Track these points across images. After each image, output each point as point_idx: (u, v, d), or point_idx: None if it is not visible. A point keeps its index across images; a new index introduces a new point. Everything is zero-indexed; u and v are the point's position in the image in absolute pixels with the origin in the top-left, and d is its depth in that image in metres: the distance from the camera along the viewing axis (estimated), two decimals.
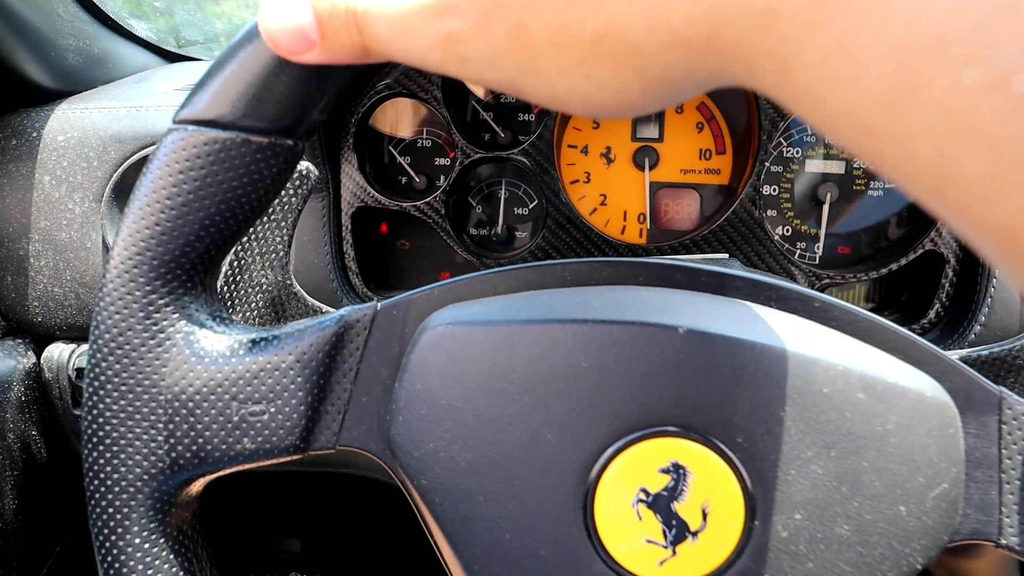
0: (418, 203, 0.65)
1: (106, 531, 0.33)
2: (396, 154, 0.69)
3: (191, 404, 0.32)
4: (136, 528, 0.33)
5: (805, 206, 0.66)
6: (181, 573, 0.34)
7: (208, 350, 0.33)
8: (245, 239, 0.47)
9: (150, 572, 0.33)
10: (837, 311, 0.32)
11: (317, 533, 1.05)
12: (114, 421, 0.32)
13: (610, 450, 0.30)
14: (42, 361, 0.66)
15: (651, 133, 0.67)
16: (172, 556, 0.33)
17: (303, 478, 0.98)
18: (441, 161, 0.69)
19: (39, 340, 0.67)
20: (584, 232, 0.64)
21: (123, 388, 0.32)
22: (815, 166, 0.65)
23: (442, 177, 0.69)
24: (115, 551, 0.33)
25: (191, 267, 0.33)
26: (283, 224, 0.44)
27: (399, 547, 1.03)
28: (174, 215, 0.31)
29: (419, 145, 0.69)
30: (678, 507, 0.29)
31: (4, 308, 0.65)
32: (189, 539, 0.35)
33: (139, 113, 0.65)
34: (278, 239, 0.45)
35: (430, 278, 0.71)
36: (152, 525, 0.33)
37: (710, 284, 0.33)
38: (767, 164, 0.64)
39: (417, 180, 0.68)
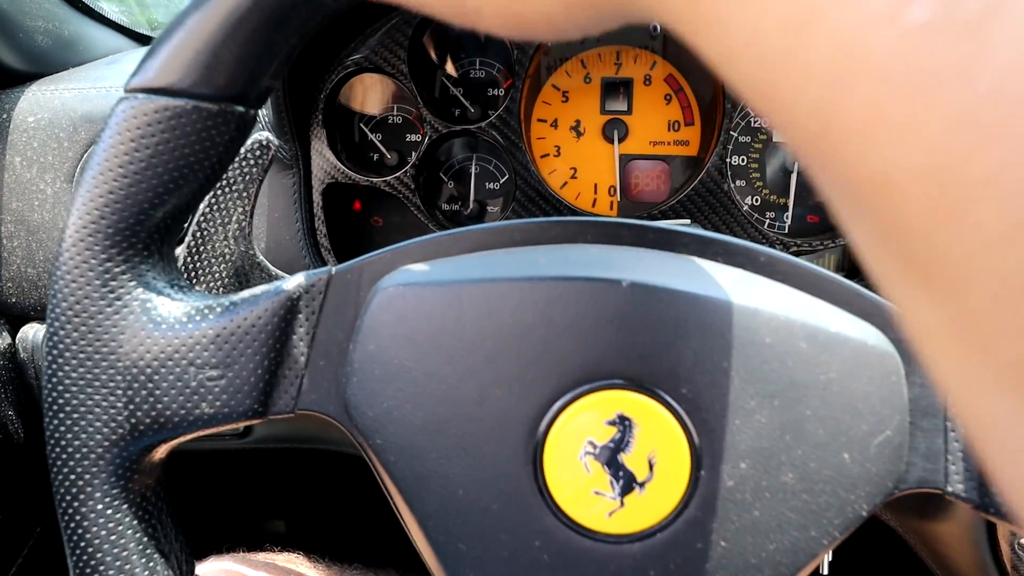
0: (388, 178, 0.65)
1: (68, 497, 0.33)
2: (367, 131, 0.69)
3: (149, 370, 0.33)
4: (99, 494, 0.33)
5: (774, 176, 0.66)
6: (145, 538, 0.34)
7: (165, 317, 0.33)
8: (207, 209, 0.47)
9: (113, 537, 0.33)
10: (782, 264, 0.32)
11: (302, 514, 1.05)
12: (73, 389, 0.33)
13: (557, 404, 0.30)
14: (17, 341, 0.66)
15: (620, 106, 0.68)
16: (135, 521, 0.34)
17: (288, 458, 0.99)
18: (412, 137, 0.69)
19: (13, 321, 0.67)
20: (554, 205, 0.65)
21: (81, 356, 0.33)
22: None
23: (413, 153, 0.69)
24: (78, 517, 0.33)
25: (147, 235, 0.33)
26: (244, 195, 0.45)
27: (385, 526, 1.04)
28: (127, 183, 0.32)
29: (390, 121, 0.69)
30: (625, 458, 0.30)
31: None
32: (153, 505, 0.35)
33: (110, 93, 0.65)
34: (239, 210, 0.45)
35: None
36: (115, 491, 0.33)
37: (656, 241, 0.33)
38: (734, 134, 0.65)
39: (388, 156, 0.69)
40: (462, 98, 0.68)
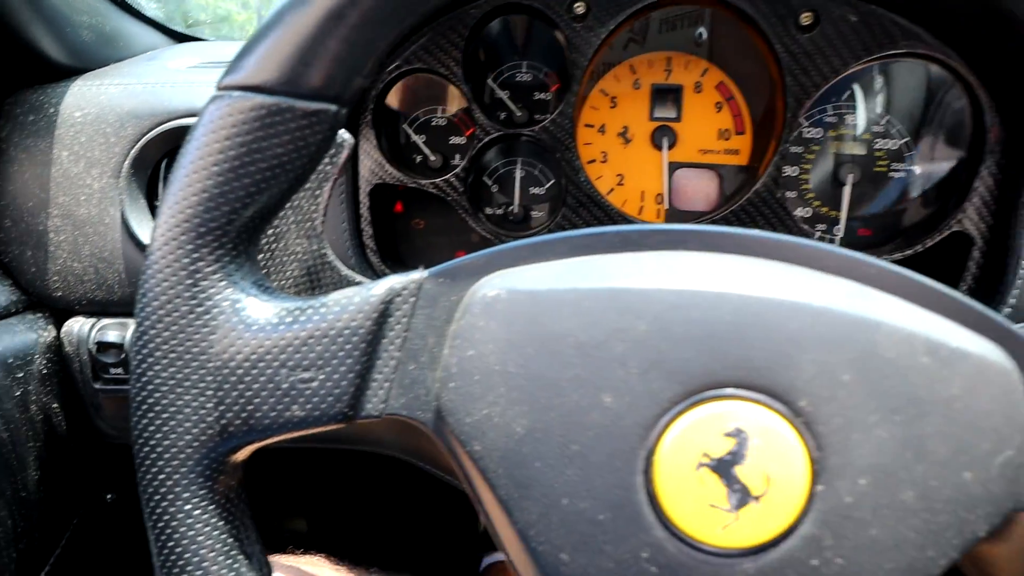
0: (436, 180, 0.65)
1: (157, 497, 0.33)
2: (410, 132, 0.69)
3: (240, 371, 0.32)
4: (187, 495, 0.33)
5: (826, 187, 0.65)
6: (229, 539, 0.34)
7: (255, 318, 0.33)
8: None
9: (200, 538, 0.33)
10: (899, 278, 0.31)
11: (324, 512, 1.06)
12: (163, 389, 0.33)
13: (671, 413, 0.29)
14: (62, 335, 0.66)
15: (669, 113, 0.67)
16: (220, 522, 0.34)
17: (311, 457, 0.99)
18: (456, 139, 0.68)
19: (58, 314, 0.67)
20: (604, 211, 0.64)
21: (172, 356, 0.32)
22: (836, 147, 0.65)
23: (457, 156, 0.68)
24: (166, 517, 0.33)
25: (236, 235, 0.33)
26: (318, 192, 0.44)
27: (406, 526, 1.04)
28: (220, 182, 0.31)
29: (434, 123, 0.68)
30: (740, 471, 0.29)
31: (24, 282, 0.65)
32: (235, 506, 0.35)
33: (155, 89, 0.65)
34: (313, 208, 0.44)
35: (445, 256, 0.71)
36: (202, 492, 0.33)
37: (765, 250, 0.32)
38: (788, 145, 0.64)
39: (432, 158, 0.68)
40: (508, 101, 0.67)
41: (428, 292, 0.33)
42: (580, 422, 0.30)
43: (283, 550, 0.70)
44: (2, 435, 0.62)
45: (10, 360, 0.63)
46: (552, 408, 0.30)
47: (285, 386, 0.32)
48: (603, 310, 0.30)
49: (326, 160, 0.45)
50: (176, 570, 0.33)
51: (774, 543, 0.29)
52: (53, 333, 0.66)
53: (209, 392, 0.32)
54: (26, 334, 0.65)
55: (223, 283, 0.32)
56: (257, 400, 0.32)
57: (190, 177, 0.31)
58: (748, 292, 0.30)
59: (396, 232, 0.71)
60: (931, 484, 0.29)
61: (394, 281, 0.33)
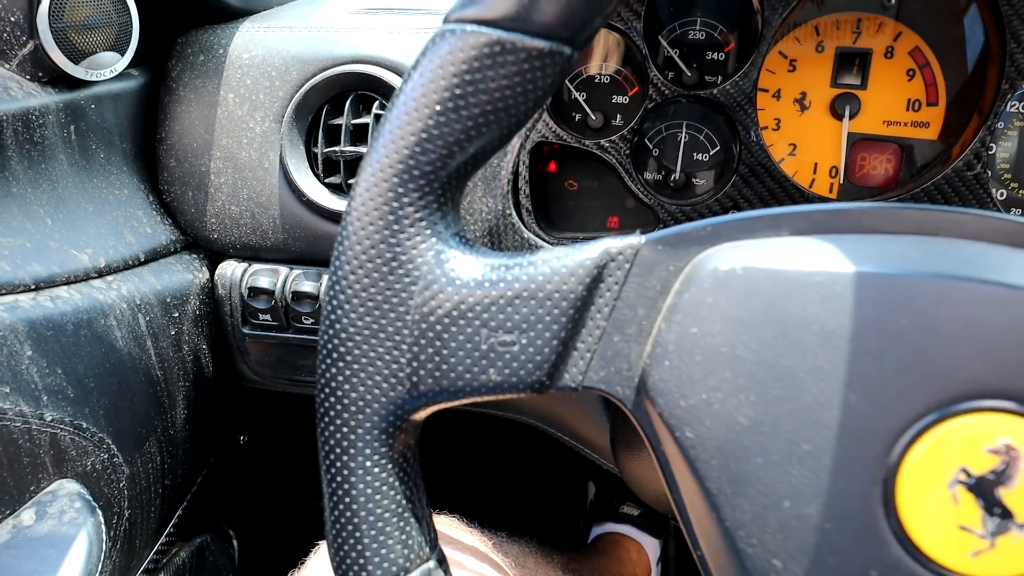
0: (601, 140, 0.62)
1: (338, 450, 0.32)
2: (572, 88, 0.66)
3: (439, 327, 0.31)
4: (368, 451, 0.32)
5: None
6: (403, 501, 0.33)
7: (459, 272, 0.31)
8: None
9: (377, 497, 0.32)
10: None
11: (435, 468, 1.06)
12: (357, 338, 0.31)
13: (926, 419, 0.26)
14: (216, 277, 0.67)
15: (853, 79, 0.62)
16: (396, 483, 0.33)
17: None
18: (619, 99, 0.65)
19: (212, 257, 0.68)
20: (779, 182, 0.60)
21: (370, 304, 0.31)
22: None
23: (618, 116, 0.65)
24: (345, 471, 0.32)
25: (446, 180, 0.31)
26: (509, 149, 0.42)
27: (516, 491, 1.04)
28: (441, 122, 0.30)
29: (597, 81, 0.65)
30: (1005, 494, 0.26)
31: (183, 223, 0.66)
32: (411, 467, 0.34)
33: (319, 34, 0.64)
34: (503, 165, 0.43)
35: (597, 221, 0.68)
36: (383, 449, 0.32)
37: None
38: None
39: (593, 117, 0.65)
40: (679, 61, 0.63)
41: (644, 259, 0.31)
42: (816, 419, 0.27)
43: None
44: (156, 373, 0.63)
45: (168, 299, 0.64)
46: (785, 400, 0.28)
47: (484, 347, 0.31)
48: (858, 298, 0.27)
49: None
50: (350, 527, 0.32)
51: None
52: (207, 275, 0.67)
53: (404, 346, 0.31)
54: (183, 274, 0.65)
55: (428, 231, 0.31)
56: (453, 359, 0.31)
57: (410, 115, 0.30)
58: None
59: (547, 192, 0.69)
60: None
61: (610, 244, 0.31)
